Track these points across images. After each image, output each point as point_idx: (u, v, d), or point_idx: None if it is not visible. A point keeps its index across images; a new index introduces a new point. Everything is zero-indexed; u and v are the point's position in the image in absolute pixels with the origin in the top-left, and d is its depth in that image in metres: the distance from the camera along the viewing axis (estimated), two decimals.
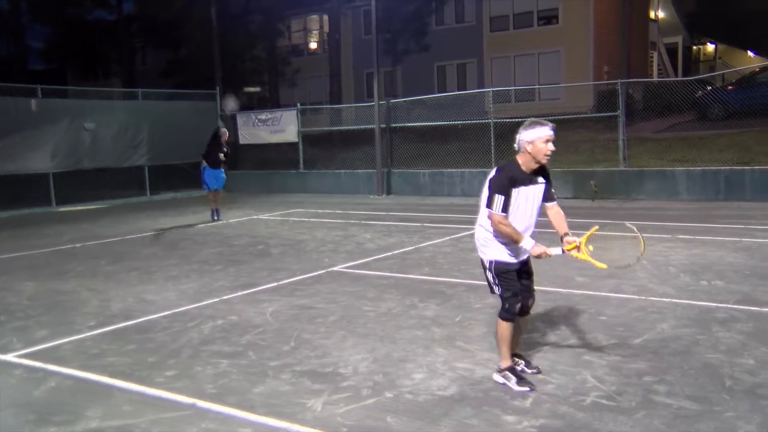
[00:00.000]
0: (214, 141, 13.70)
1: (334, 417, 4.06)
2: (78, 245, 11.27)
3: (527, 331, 5.07)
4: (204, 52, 26.23)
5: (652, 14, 33.39)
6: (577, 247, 4.31)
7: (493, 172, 4.34)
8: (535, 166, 4.27)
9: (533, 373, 4.53)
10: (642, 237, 4.51)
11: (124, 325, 6.30)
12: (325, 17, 33.23)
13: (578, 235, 4.42)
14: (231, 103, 13.07)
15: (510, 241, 4.27)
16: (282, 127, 20.39)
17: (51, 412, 4.35)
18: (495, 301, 6.51)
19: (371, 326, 5.84)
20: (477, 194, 16.26)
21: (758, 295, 6.39)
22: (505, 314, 4.37)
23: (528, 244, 4.23)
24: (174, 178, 20.63)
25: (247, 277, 8.20)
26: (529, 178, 4.28)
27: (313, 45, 36.14)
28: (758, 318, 5.67)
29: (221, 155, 13.42)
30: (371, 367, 4.90)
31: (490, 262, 4.40)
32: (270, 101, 31.53)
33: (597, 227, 4.37)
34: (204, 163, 13.58)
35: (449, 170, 17.17)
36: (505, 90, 20.12)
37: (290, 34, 35.58)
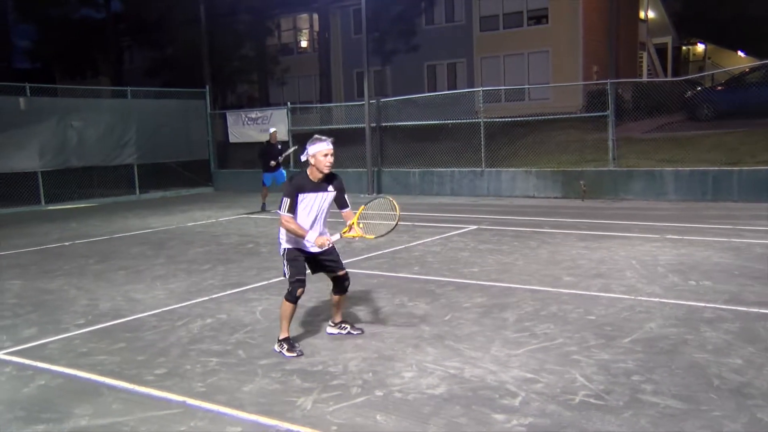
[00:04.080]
0: (266, 147, 14.84)
1: (324, 415, 4.06)
2: (66, 244, 11.20)
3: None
4: (191, 51, 26.14)
5: (641, 14, 33.56)
6: (351, 228, 5.24)
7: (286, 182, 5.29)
8: (320, 175, 5.16)
9: (358, 334, 5.58)
10: (394, 201, 5.33)
11: (113, 323, 6.27)
12: (315, 16, 33.19)
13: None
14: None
15: (295, 235, 5.18)
16: (272, 125, 20.33)
17: (40, 409, 4.33)
18: (484, 301, 6.55)
19: (360, 325, 5.84)
20: (467, 194, 16.30)
21: (746, 295, 6.45)
22: (289, 296, 5.21)
23: (311, 237, 5.14)
24: (163, 176, 20.57)
25: (236, 276, 8.18)
26: (315, 186, 5.18)
27: (303, 44, 36.07)
28: (745, 318, 5.71)
29: (272, 162, 14.51)
30: (361, 365, 4.90)
31: (283, 250, 5.32)
32: (260, 100, 31.44)
33: (363, 207, 5.31)
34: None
35: (439, 169, 17.20)
36: (495, 89, 20.16)
37: (280, 32, 35.48)
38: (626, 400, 4.12)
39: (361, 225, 5.27)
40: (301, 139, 20.26)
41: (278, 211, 5.20)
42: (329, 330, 5.72)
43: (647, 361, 4.77)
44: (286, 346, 5.19)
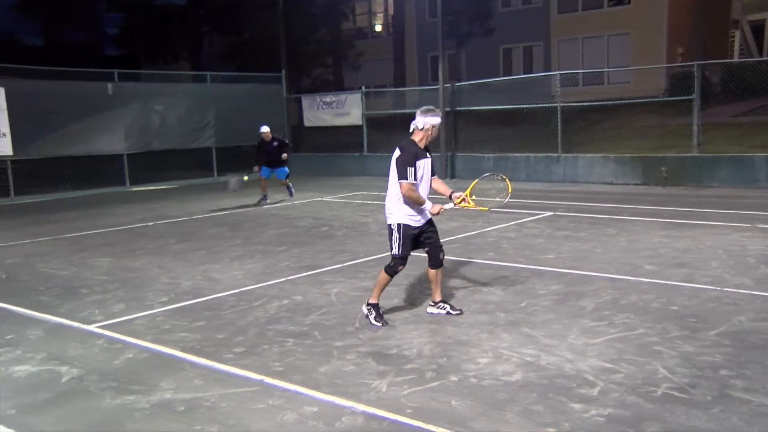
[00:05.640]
0: (260, 144, 13.75)
1: (399, 398, 4.07)
2: (148, 224, 11.66)
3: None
4: (268, 35, 26.54)
5: None
6: (464, 199, 5.56)
7: (398, 152, 5.38)
8: (426, 143, 5.44)
9: (457, 314, 5.65)
10: (508, 180, 6.03)
11: (193, 302, 6.48)
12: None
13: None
14: (233, 183, 13.57)
15: (415, 204, 5.34)
16: (346, 110, 20.48)
17: (129, 381, 4.53)
18: (560, 288, 6.41)
19: (434, 309, 5.81)
20: (542, 179, 15.89)
21: None
22: (390, 270, 5.49)
23: (428, 206, 5.37)
24: (239, 160, 21.04)
25: (311, 258, 8.30)
26: (424, 153, 5.43)
27: (378, 28, 36.06)
28: None
29: (256, 168, 13.65)
30: (435, 350, 4.89)
31: (399, 225, 5.41)
32: (334, 84, 31.68)
33: (477, 180, 5.89)
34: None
35: (513, 155, 16.90)
36: (573, 73, 19.55)
37: (354, 16, 35.58)
38: (714, 395, 3.94)
39: (474, 197, 5.58)
40: (375, 124, 20.46)
41: (402, 180, 5.26)
42: (429, 310, 5.79)
43: (737, 356, 4.54)
44: (374, 312, 5.46)
